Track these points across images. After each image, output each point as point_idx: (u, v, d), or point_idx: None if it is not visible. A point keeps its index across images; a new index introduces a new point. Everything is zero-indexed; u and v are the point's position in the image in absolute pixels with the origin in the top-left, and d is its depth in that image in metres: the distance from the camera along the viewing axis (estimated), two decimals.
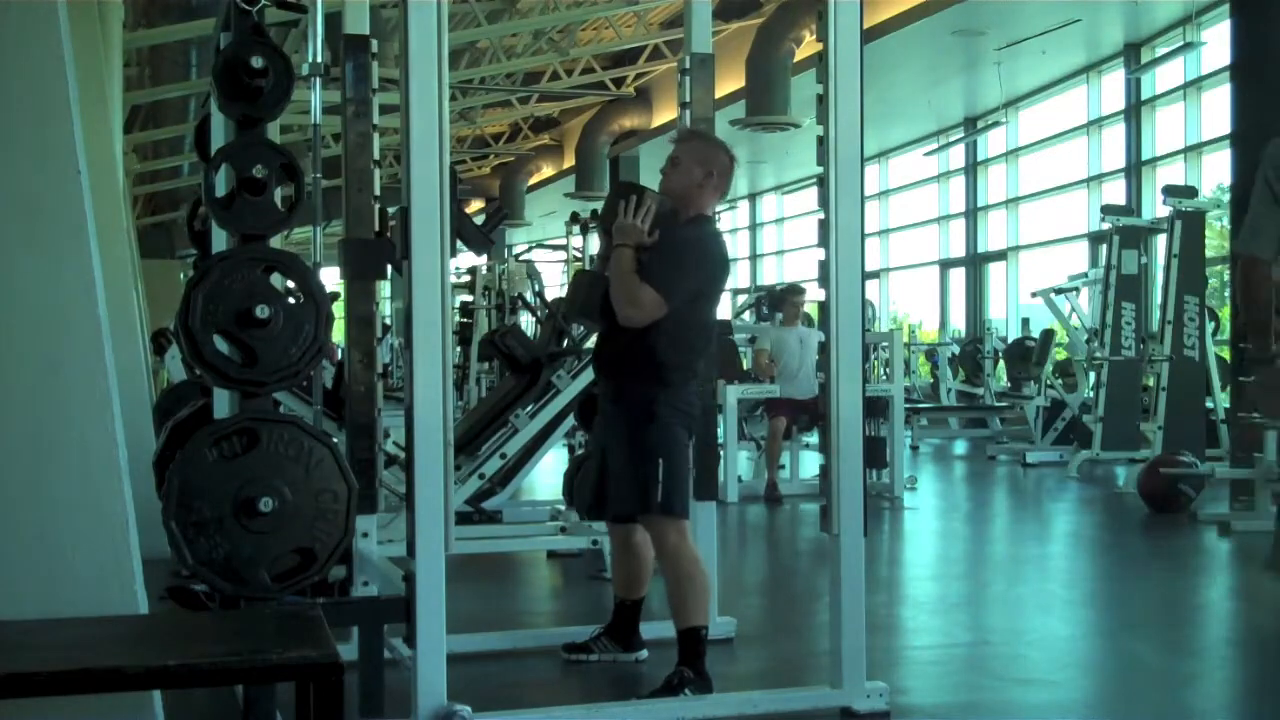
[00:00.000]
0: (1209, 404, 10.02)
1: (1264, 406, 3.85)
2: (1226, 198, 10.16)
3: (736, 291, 21.46)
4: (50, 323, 2.56)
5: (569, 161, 20.52)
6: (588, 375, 5.78)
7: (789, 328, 8.92)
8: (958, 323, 17.80)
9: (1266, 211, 3.65)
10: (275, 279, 3.01)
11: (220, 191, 3.10)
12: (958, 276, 17.85)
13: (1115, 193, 14.19)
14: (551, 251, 15.67)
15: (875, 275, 18.91)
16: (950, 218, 18.10)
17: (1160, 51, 13.19)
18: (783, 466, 8.85)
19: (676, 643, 3.64)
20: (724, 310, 15.82)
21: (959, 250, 17.72)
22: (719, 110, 5.00)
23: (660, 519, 3.64)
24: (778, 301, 9.53)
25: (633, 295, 3.57)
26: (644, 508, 3.66)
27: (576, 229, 11.86)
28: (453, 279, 5.10)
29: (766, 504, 8.23)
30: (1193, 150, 13.13)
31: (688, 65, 4.33)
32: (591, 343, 6.30)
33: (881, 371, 11.70)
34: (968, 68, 14.31)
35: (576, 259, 12.28)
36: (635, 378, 3.69)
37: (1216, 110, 12.35)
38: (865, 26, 3.63)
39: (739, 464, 8.98)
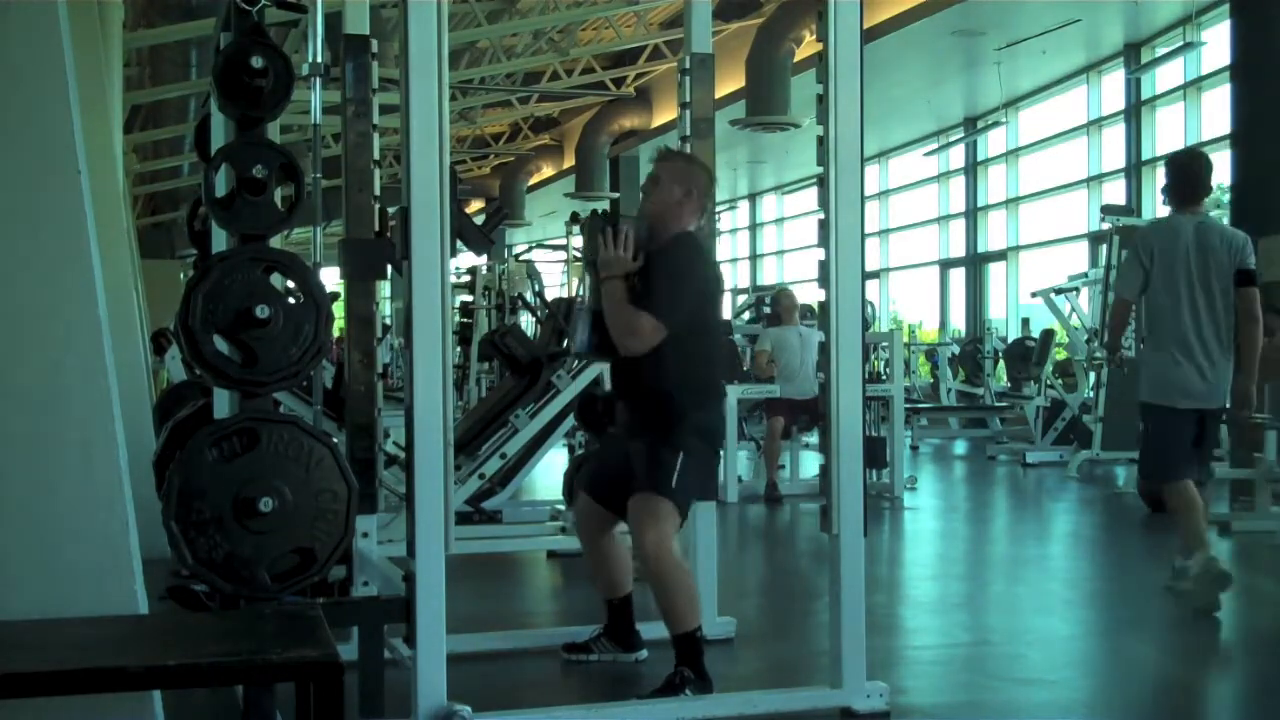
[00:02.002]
0: None
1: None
2: (1226, 198, 10.16)
3: (737, 291, 21.48)
4: (50, 323, 2.56)
5: (569, 161, 20.52)
6: (588, 375, 5.78)
7: (789, 325, 8.92)
8: (958, 323, 17.81)
9: (1133, 269, 5.09)
10: (275, 279, 3.00)
11: (220, 191, 3.10)
12: (958, 276, 17.85)
13: (1115, 193, 14.20)
14: (551, 251, 15.67)
15: (875, 275, 18.91)
16: (950, 218, 18.11)
17: (1160, 51, 13.19)
18: (783, 466, 8.85)
19: (673, 646, 3.64)
20: (724, 310, 15.88)
21: (959, 250, 17.73)
22: (719, 110, 5.00)
23: (657, 502, 3.58)
24: (773, 314, 9.60)
25: (629, 324, 3.57)
26: (652, 485, 3.60)
27: (576, 229, 11.85)
28: (453, 279, 5.10)
29: (766, 504, 8.23)
30: None
31: (688, 65, 4.33)
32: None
33: (882, 371, 11.70)
34: (968, 68, 14.31)
35: (576, 259, 12.27)
36: (659, 406, 3.65)
37: (1216, 110, 12.35)
38: (865, 26, 3.63)
39: (739, 464, 8.98)
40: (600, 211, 4.16)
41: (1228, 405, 5.12)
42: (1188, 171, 5.15)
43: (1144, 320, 5.23)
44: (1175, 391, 4.96)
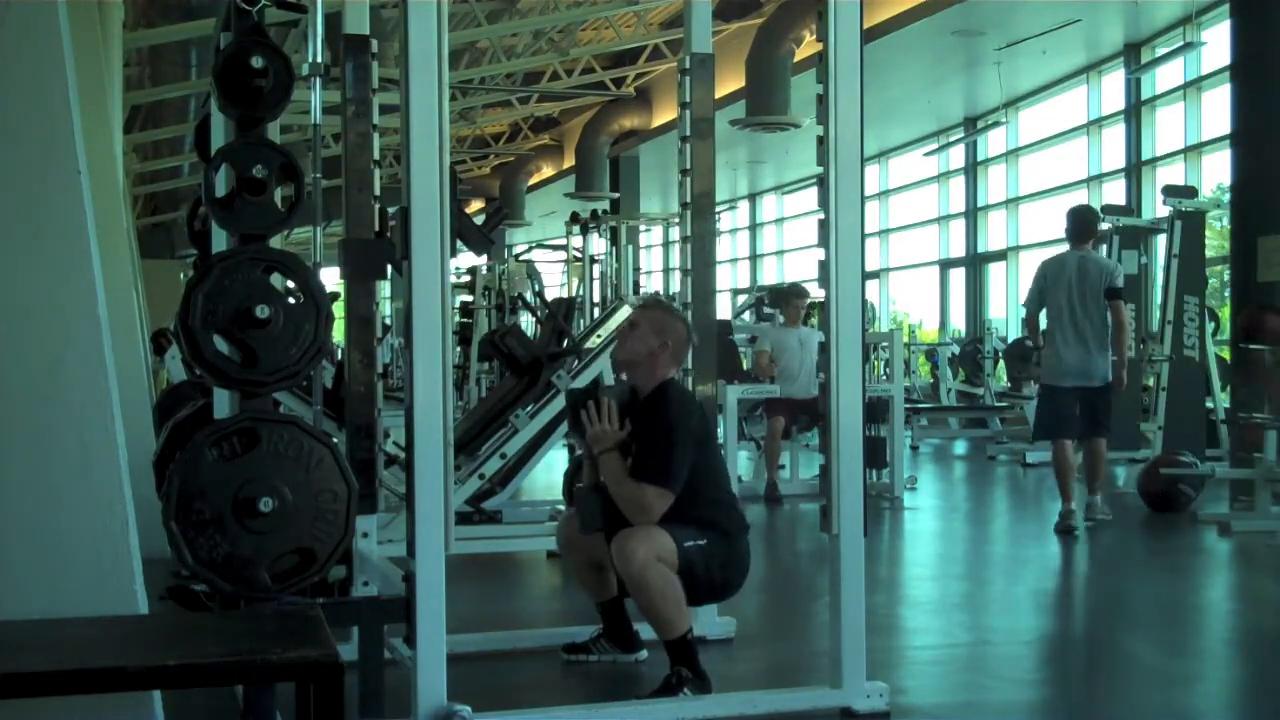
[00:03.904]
0: (1209, 404, 10.02)
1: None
2: (1226, 198, 10.16)
3: (736, 291, 21.49)
4: (51, 323, 2.56)
5: (569, 161, 20.53)
6: (588, 375, 5.79)
7: (790, 328, 8.92)
8: (958, 323, 17.80)
9: (1034, 291, 7.13)
10: (275, 279, 3.01)
11: (220, 191, 3.11)
12: (958, 276, 17.85)
13: (1115, 193, 14.19)
14: (551, 251, 15.68)
15: (875, 275, 18.91)
16: (950, 218, 18.10)
17: (1160, 51, 13.19)
18: (783, 466, 8.85)
19: (666, 651, 3.62)
20: (724, 310, 15.88)
21: (959, 250, 17.72)
22: (719, 110, 5.00)
23: (653, 529, 3.55)
24: (780, 299, 9.51)
25: (637, 502, 3.58)
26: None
27: (576, 229, 11.86)
28: (453, 279, 5.10)
29: (766, 504, 8.23)
30: (1193, 150, 13.14)
31: (688, 65, 4.33)
32: (591, 342, 6.34)
33: (882, 371, 11.69)
34: (968, 68, 14.32)
35: (576, 259, 12.29)
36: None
37: (1216, 110, 12.35)
38: (865, 26, 3.64)
39: (739, 464, 8.96)
40: (575, 389, 4.25)
41: (1108, 381, 6.89)
42: (1082, 221, 7.16)
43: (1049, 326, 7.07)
44: (1058, 375, 6.94)
